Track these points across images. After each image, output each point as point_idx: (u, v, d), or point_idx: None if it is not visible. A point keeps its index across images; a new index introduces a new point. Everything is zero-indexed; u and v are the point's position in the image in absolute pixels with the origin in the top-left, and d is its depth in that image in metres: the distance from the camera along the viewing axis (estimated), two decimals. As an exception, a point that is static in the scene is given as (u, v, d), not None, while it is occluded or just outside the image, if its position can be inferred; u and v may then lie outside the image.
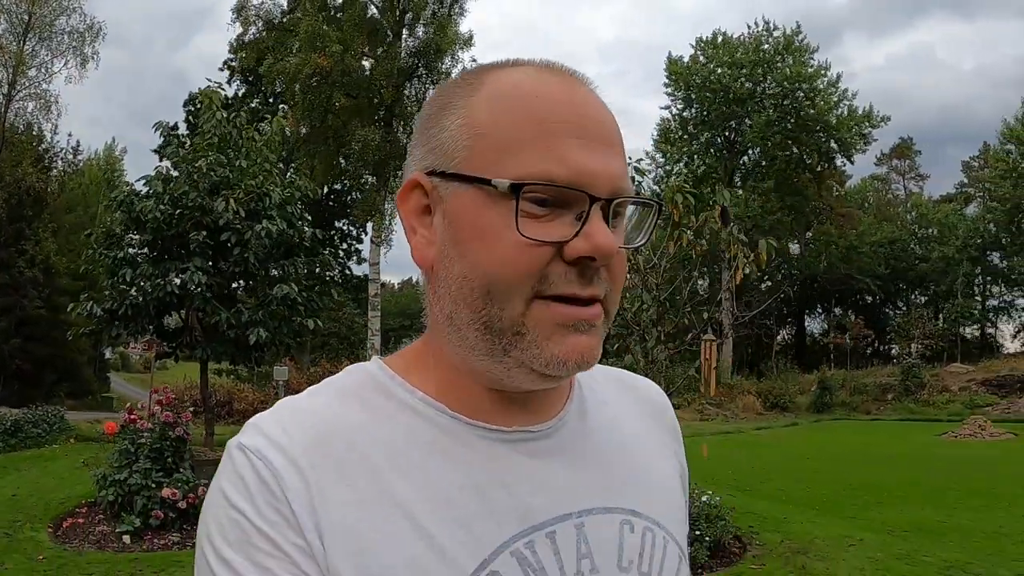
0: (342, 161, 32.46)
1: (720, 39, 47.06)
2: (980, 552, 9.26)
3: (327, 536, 0.84)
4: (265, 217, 13.08)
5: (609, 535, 0.95)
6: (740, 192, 49.68)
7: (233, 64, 41.18)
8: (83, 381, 38.66)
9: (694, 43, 48.30)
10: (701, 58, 47.40)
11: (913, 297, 59.14)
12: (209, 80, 15.38)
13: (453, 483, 0.89)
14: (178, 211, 12.76)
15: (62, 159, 38.87)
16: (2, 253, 32.39)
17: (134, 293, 12.86)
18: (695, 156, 48.13)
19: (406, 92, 30.80)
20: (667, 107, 50.08)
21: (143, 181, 13.55)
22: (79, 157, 42.83)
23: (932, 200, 63.23)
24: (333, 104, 30.28)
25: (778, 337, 57.03)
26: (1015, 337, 57.85)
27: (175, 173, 13.43)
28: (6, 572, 7.50)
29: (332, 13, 31.73)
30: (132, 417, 9.94)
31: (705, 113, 46.83)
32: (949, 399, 34.43)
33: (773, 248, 10.08)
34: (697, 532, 8.36)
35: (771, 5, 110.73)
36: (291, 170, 29.47)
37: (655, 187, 38.36)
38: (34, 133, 35.03)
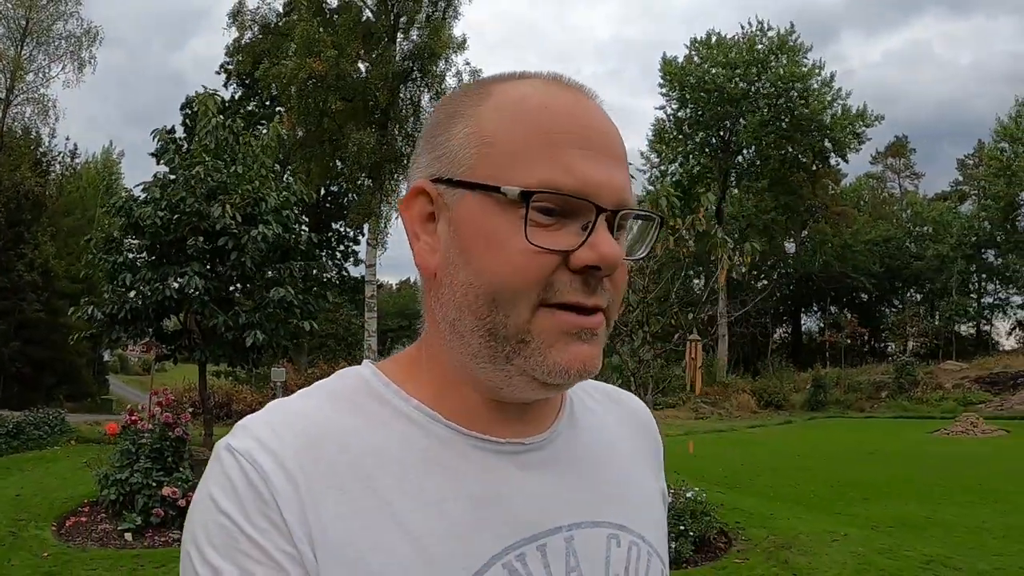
0: (338, 164, 32.52)
1: (714, 39, 47.14)
2: (962, 546, 9.42)
3: (318, 545, 0.83)
4: (261, 222, 13.18)
5: (597, 549, 0.96)
6: (735, 191, 49.83)
7: (230, 68, 41.36)
8: (82, 384, 38.61)
9: (689, 43, 48.49)
10: (696, 58, 47.43)
11: (908, 295, 59.27)
12: (205, 87, 15.44)
13: (447, 493, 0.89)
14: (176, 216, 12.84)
15: (60, 163, 38.74)
16: (1, 257, 32.32)
17: (133, 297, 12.92)
18: (690, 156, 48.24)
19: (401, 95, 30.87)
20: (662, 107, 50.18)
21: (141, 187, 13.68)
22: (77, 160, 42.80)
23: (927, 198, 63.36)
24: (329, 107, 30.28)
25: (775, 335, 57.15)
26: (1010, 334, 58.09)
27: (172, 178, 13.55)
28: (13, 569, 7.67)
29: (328, 16, 31.85)
30: (133, 418, 10.08)
31: (700, 113, 46.89)
32: (942, 396, 34.73)
33: (757, 250, 10.31)
34: (682, 527, 8.54)
35: (769, 2, 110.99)
36: (288, 173, 29.67)
37: (650, 187, 38.54)
38: (32, 137, 34.95)
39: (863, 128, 46.26)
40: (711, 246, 9.83)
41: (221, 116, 14.51)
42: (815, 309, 61.46)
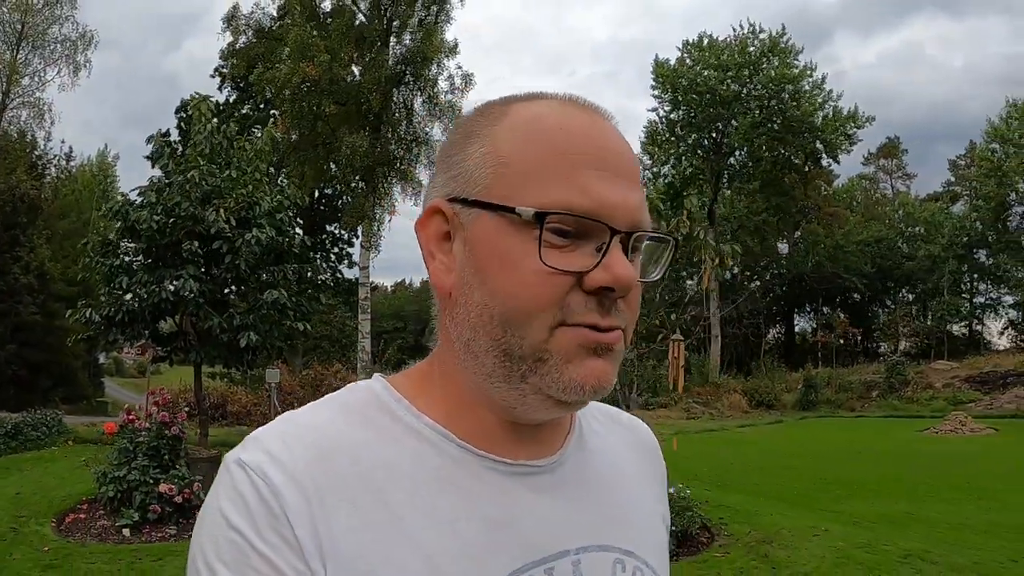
0: (332, 167, 32.55)
1: (706, 42, 47.19)
2: (942, 541, 9.54)
3: (329, 559, 0.83)
4: (255, 225, 13.28)
5: (603, 573, 0.96)
6: (727, 193, 49.96)
7: (224, 71, 41.45)
8: (78, 386, 38.53)
9: (681, 45, 48.55)
10: (688, 60, 47.34)
11: (901, 295, 59.35)
12: (197, 93, 15.58)
13: (460, 513, 0.89)
14: (171, 220, 12.93)
15: (55, 166, 38.73)
16: (-2, 260, 32.50)
17: (130, 299, 13.04)
18: (682, 158, 48.20)
19: (393, 99, 30.93)
20: (654, 109, 50.16)
21: (137, 191, 13.81)
22: (72, 163, 42.74)
23: (919, 199, 63.32)
24: (322, 111, 30.35)
25: (768, 336, 57.27)
26: (1002, 334, 58.25)
27: (168, 182, 13.62)
28: (15, 562, 7.88)
29: (322, 20, 31.94)
30: (130, 418, 10.28)
31: (692, 115, 46.83)
32: (932, 396, 34.72)
33: (738, 252, 10.53)
34: (663, 523, 8.73)
35: (763, 4, 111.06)
36: (282, 176, 29.80)
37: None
38: (27, 141, 34.98)
39: (854, 129, 46.27)
40: (695, 248, 10.04)
41: (215, 120, 14.66)
42: (808, 309, 61.57)
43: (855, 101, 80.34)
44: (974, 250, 54.44)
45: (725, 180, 49.32)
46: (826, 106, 45.98)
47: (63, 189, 40.92)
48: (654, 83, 48.20)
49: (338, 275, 44.91)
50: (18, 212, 32.99)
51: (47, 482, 12.12)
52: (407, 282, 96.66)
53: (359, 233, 33.53)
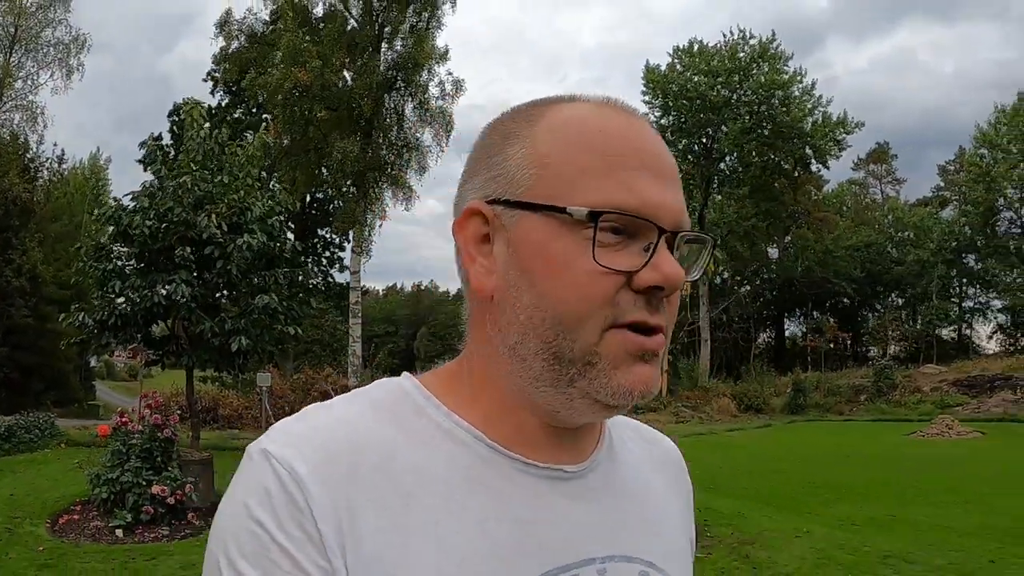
0: (323, 171, 32.62)
1: (696, 47, 47.25)
2: (922, 543, 9.58)
3: (352, 556, 0.81)
4: (247, 231, 13.41)
5: None
6: (718, 198, 50.07)
7: (217, 75, 41.52)
8: (70, 389, 38.43)
9: (671, 51, 48.63)
10: (678, 66, 47.35)
11: (890, 300, 59.50)
12: (187, 99, 15.68)
13: (491, 514, 0.87)
14: (164, 225, 13.06)
15: (47, 168, 38.80)
16: (-10, 263, 32.46)
17: (123, 303, 13.14)
18: (673, 163, 48.22)
19: (385, 105, 31.01)
20: (645, 115, 50.17)
21: (130, 196, 13.92)
22: (64, 166, 42.63)
23: (908, 203, 63.64)
24: (314, 116, 30.46)
25: (759, 340, 57.34)
26: (991, 338, 58.42)
27: (160, 187, 13.71)
28: (11, 561, 8.00)
29: (315, 25, 32.01)
30: (123, 420, 10.38)
31: (682, 120, 46.82)
32: (920, 399, 34.90)
33: (721, 260, 10.68)
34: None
35: (754, 10, 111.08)
36: (274, 180, 29.86)
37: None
38: (20, 143, 34.97)
39: (843, 135, 46.37)
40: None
41: (208, 124, 14.76)
42: (798, 314, 61.64)
43: (848, 106, 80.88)
44: (963, 255, 54.69)
45: (715, 185, 49.35)
46: (816, 112, 46.07)
47: (55, 192, 40.80)
48: (645, 88, 48.25)
49: (329, 279, 44.94)
50: (10, 215, 32.95)
51: (40, 484, 12.20)
52: (398, 286, 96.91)
53: (350, 238, 33.54)
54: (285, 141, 30.93)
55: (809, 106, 45.89)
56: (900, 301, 59.06)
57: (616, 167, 0.87)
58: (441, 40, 34.23)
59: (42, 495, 11.21)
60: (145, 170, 14.93)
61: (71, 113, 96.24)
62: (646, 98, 48.38)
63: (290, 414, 0.93)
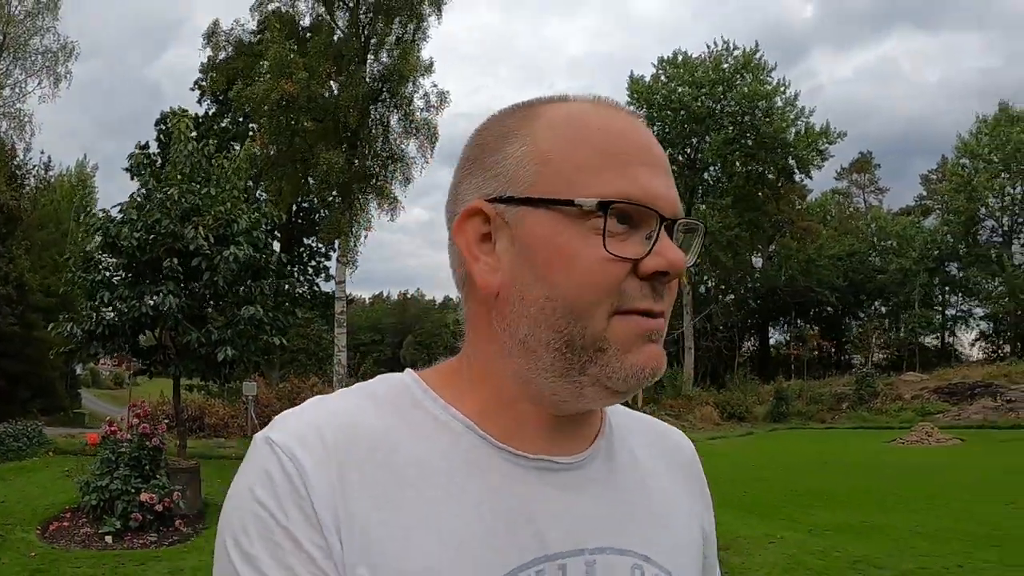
0: (310, 181, 32.60)
1: (681, 58, 47.45)
2: (893, 548, 9.75)
3: (346, 539, 0.84)
4: (233, 243, 13.53)
5: None
6: (702, 208, 50.21)
7: (204, 84, 41.57)
8: (56, 397, 38.15)
9: (656, 62, 48.82)
10: (663, 77, 47.57)
11: (873, 308, 59.79)
12: (177, 108, 15.82)
13: (482, 503, 0.89)
14: (152, 237, 13.16)
15: (34, 176, 38.69)
16: (-24, 271, 32.29)
17: (111, 314, 13.25)
18: (657, 173, 48.25)
19: (370, 116, 31.07)
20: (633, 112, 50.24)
21: (118, 208, 14.03)
22: (51, 173, 42.54)
23: (891, 212, 63.96)
24: (300, 127, 30.53)
25: (743, 349, 57.48)
26: (973, 345, 58.91)
27: (147, 198, 13.83)
28: (4, 567, 8.19)
29: (302, 35, 32.11)
30: (112, 429, 10.57)
31: (666, 131, 46.94)
32: (901, 407, 35.07)
33: (691, 273, 10.89)
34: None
35: (740, 20, 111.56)
36: (260, 190, 29.96)
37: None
38: (7, 151, 34.79)
39: (826, 145, 46.59)
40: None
41: (195, 134, 14.86)
42: (782, 322, 61.86)
43: (833, 115, 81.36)
44: (945, 263, 55.16)
45: (699, 195, 49.51)
46: (798, 122, 46.30)
47: (42, 199, 40.61)
48: (629, 99, 48.39)
49: (315, 288, 44.90)
50: (-3, 223, 32.90)
51: (30, 491, 12.32)
52: (384, 295, 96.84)
53: (336, 247, 33.57)
54: (271, 151, 30.94)
55: (792, 116, 46.13)
56: (883, 309, 59.33)
57: (618, 162, 0.90)
58: (427, 51, 34.29)
59: (32, 502, 11.36)
60: (132, 179, 14.99)
61: (58, 120, 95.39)
62: (631, 108, 48.33)
63: None
